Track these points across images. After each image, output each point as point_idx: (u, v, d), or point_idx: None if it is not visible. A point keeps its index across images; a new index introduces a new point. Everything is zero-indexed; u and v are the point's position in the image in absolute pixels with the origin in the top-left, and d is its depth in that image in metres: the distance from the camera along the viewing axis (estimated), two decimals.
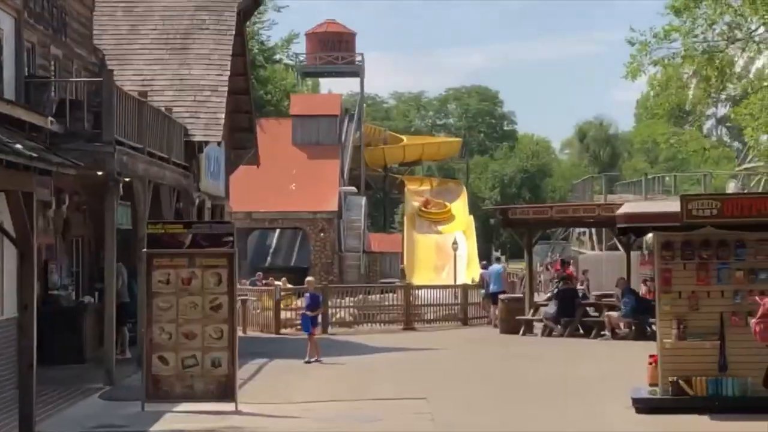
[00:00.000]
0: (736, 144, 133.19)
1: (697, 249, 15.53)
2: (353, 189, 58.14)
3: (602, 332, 29.69)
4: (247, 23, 66.20)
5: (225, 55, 27.63)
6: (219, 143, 27.07)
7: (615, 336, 29.30)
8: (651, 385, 16.35)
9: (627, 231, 15.83)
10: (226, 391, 16.46)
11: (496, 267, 36.14)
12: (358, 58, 78.66)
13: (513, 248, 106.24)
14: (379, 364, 23.30)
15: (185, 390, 16.45)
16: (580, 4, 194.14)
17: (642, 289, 32.91)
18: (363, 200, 59.43)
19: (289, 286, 49.26)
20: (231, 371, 16.48)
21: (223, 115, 26.67)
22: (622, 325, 29.68)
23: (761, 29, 19.89)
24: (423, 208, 65.55)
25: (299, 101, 59.84)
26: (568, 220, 32.80)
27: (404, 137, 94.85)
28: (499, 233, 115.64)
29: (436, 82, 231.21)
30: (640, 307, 29.01)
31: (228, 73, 27.33)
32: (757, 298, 13.25)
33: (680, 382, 15.46)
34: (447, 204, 62.27)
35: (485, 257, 63.86)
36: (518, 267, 67.27)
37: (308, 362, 23.45)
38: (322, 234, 52.31)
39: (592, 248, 58.62)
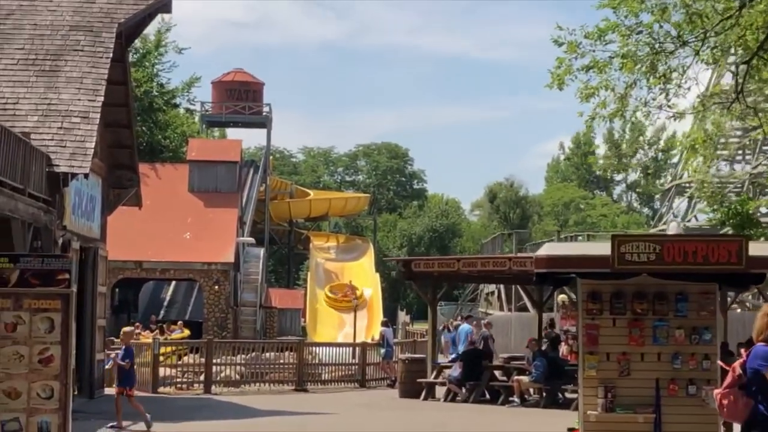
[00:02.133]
0: (645, 210, 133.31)
1: (630, 301, 12.89)
2: (251, 240, 55.11)
3: (510, 398, 27.10)
4: (145, 60, 63.92)
5: (100, 79, 24.74)
6: (87, 176, 24.03)
7: (524, 402, 26.73)
8: None
9: (546, 278, 13.04)
10: None
11: (465, 326, 33.56)
12: (266, 108, 76.54)
13: (420, 307, 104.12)
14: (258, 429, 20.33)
15: None
16: (496, 71, 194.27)
17: (562, 349, 30.39)
18: (261, 252, 56.46)
19: (176, 334, 46.30)
20: None
21: (92, 145, 23.71)
22: (532, 390, 27.13)
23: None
24: (330, 294, 62.29)
25: (197, 146, 56.86)
26: (477, 274, 30.22)
27: (311, 191, 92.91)
28: (406, 293, 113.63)
29: (346, 141, 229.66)
30: (552, 371, 26.50)
31: (101, 98, 24.42)
32: (720, 363, 10.56)
33: None
34: (357, 288, 58.52)
35: (391, 316, 61.41)
36: (424, 327, 64.92)
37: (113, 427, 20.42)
38: (216, 287, 49.23)
39: (501, 308, 56.21)
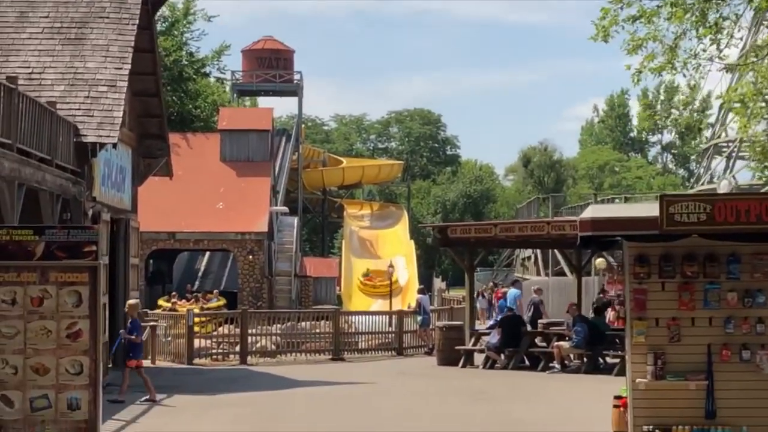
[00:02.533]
0: (681, 171, 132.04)
1: (680, 264, 12.29)
2: (285, 209, 54.72)
3: (551, 364, 26.58)
4: (174, 30, 63.37)
5: (126, 46, 24.28)
6: (115, 146, 23.59)
7: (565, 368, 26.21)
8: None
9: (590, 242, 12.46)
10: None
11: (513, 291, 33.06)
12: (297, 76, 75.98)
13: (456, 274, 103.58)
14: (294, 403, 19.88)
15: None
16: (527, 34, 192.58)
17: (609, 315, 29.80)
18: (295, 221, 56.00)
19: (213, 303, 46.05)
20: (92, 415, 13.04)
21: (120, 114, 23.29)
22: (572, 356, 26.60)
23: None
24: (364, 281, 61.59)
25: (228, 115, 56.38)
26: (514, 239, 29.62)
27: (344, 159, 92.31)
28: (441, 259, 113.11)
29: (378, 108, 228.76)
30: (593, 337, 25.96)
31: (128, 66, 23.98)
32: None
33: None
34: (393, 267, 57.77)
35: (427, 283, 60.98)
36: (460, 294, 64.46)
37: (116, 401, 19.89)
38: (250, 256, 48.84)
39: (538, 273, 55.60)
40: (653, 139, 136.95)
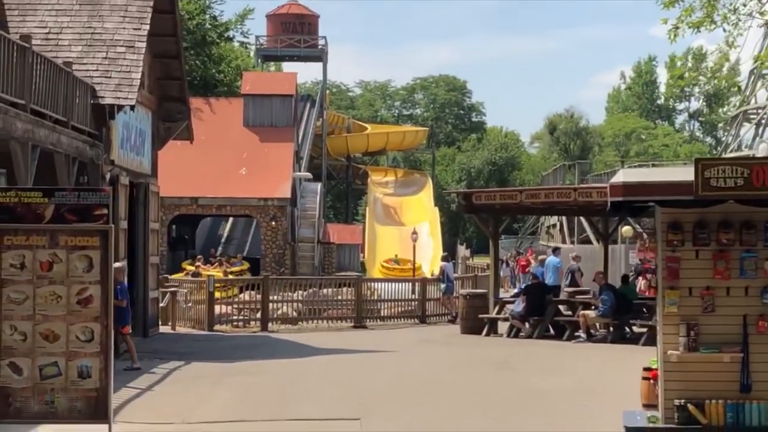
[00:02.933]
0: (708, 139, 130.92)
1: (715, 231, 11.73)
2: (308, 175, 54.19)
3: (576, 333, 26.09)
4: None
5: (145, 7, 23.79)
6: (133, 108, 23.09)
7: (590, 338, 25.71)
8: (646, 406, 12.61)
9: (621, 208, 11.88)
10: (97, 409, 12.62)
11: (553, 259, 32.53)
12: (322, 41, 75.47)
13: (480, 242, 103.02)
14: (315, 370, 19.44)
15: (44, 408, 12.57)
16: (554, 1, 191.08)
17: (640, 283, 29.25)
18: (318, 187, 55.55)
19: (236, 267, 45.73)
20: (104, 383, 12.64)
21: (139, 75, 22.83)
22: (598, 325, 26.09)
23: None
24: (385, 264, 60.83)
25: (251, 79, 55.81)
26: (540, 205, 29.06)
27: (368, 126, 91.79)
28: (466, 227, 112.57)
29: (403, 74, 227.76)
30: (620, 306, 25.44)
31: (147, 27, 23.49)
32: None
33: (689, 406, 11.72)
34: (417, 234, 56.85)
35: (451, 251, 60.46)
36: (484, 261, 63.96)
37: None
38: (273, 222, 48.40)
39: (563, 241, 55.01)
40: (680, 106, 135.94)
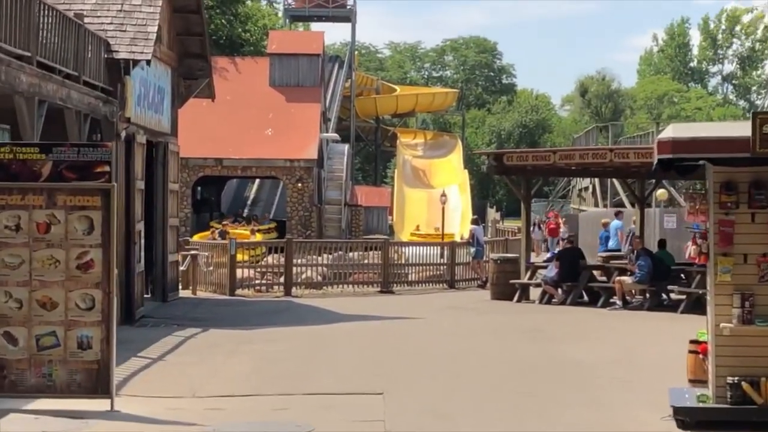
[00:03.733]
0: (741, 103, 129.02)
1: None
2: (335, 136, 53.17)
3: (611, 300, 25.04)
4: None
5: None
6: (149, 62, 22.04)
7: (626, 305, 24.63)
8: (693, 382, 11.62)
9: (669, 166, 10.77)
10: (98, 382, 11.70)
11: (616, 222, 31.42)
12: (350, 1, 74.16)
13: (510, 205, 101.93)
14: (337, 339, 18.47)
15: (41, 381, 11.68)
16: None
17: (689, 250, 28.03)
18: (346, 148, 54.47)
19: (265, 225, 44.78)
20: (105, 354, 11.71)
21: (155, 29, 21.81)
22: (634, 292, 25.00)
23: None
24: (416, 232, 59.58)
25: (278, 38, 54.75)
26: (574, 167, 27.91)
27: (397, 87, 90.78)
28: (495, 189, 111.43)
29: (433, 36, 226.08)
30: (657, 272, 24.35)
31: None
32: None
33: (743, 384, 10.69)
34: (446, 197, 55.59)
35: (481, 214, 59.40)
36: (514, 225, 62.91)
37: None
38: (299, 184, 47.46)
39: (595, 205, 53.83)
40: (713, 69, 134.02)
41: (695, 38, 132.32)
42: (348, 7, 73.85)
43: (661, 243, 26.26)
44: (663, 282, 24.62)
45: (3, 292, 11.59)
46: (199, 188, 54.82)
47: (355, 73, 74.09)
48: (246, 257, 31.51)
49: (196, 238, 43.73)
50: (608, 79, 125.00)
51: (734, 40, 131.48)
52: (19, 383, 11.63)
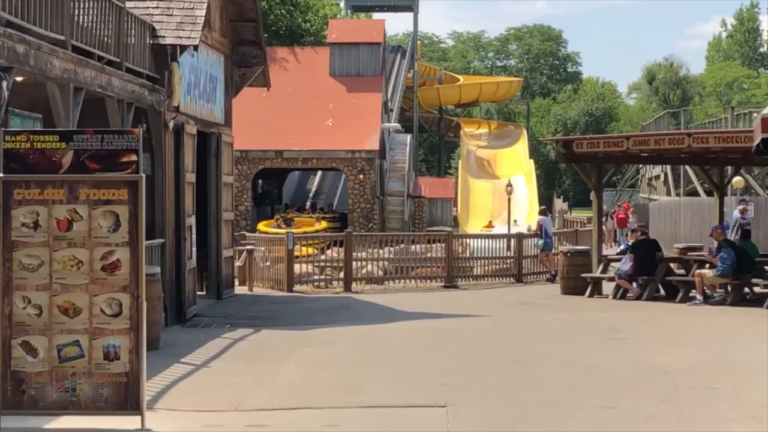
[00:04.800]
0: None
1: None
2: (397, 126, 51.80)
3: (691, 294, 23.49)
4: None
5: None
6: (196, 48, 20.79)
7: (707, 300, 23.06)
8: None
9: None
10: (127, 397, 10.46)
11: (736, 213, 29.92)
12: None
13: (577, 195, 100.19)
14: (397, 341, 17.10)
15: (63, 396, 10.46)
16: None
17: None
18: (408, 138, 53.07)
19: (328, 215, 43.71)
20: (135, 366, 10.47)
21: (203, 13, 20.59)
22: (717, 286, 23.41)
23: None
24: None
25: (338, 27, 53.48)
26: (648, 153, 26.32)
27: (460, 77, 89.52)
28: (562, 179, 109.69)
29: (497, 25, 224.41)
30: (740, 264, 22.76)
31: None
32: None
33: None
34: (512, 187, 53.88)
35: (547, 205, 57.88)
36: (583, 215, 61.34)
37: None
38: (361, 176, 46.16)
39: (668, 194, 52.05)
40: None
41: (765, 23, 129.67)
42: None
43: (745, 233, 24.67)
44: (747, 275, 23.04)
45: (21, 298, 10.39)
46: (259, 181, 53.83)
47: (417, 63, 72.91)
48: (309, 251, 30.38)
49: (260, 226, 42.96)
50: (676, 65, 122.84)
51: None
52: (39, 399, 10.43)
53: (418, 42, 79.88)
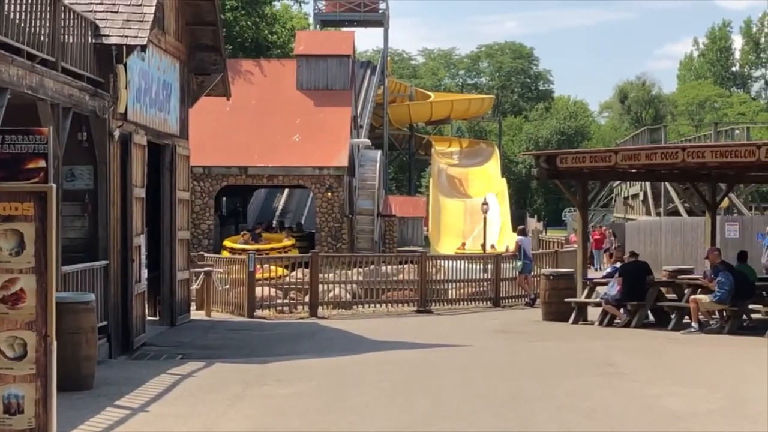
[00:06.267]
0: None
1: None
2: (367, 141, 49.92)
3: (684, 321, 21.67)
4: None
5: None
6: (144, 48, 18.73)
7: (702, 327, 21.24)
8: None
9: None
10: None
11: None
12: (383, 5, 71.79)
13: (549, 214, 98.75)
14: (366, 377, 15.07)
15: None
16: None
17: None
18: (378, 154, 51.14)
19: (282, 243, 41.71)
20: (42, 421, 8.46)
21: (152, 9, 18.61)
22: (713, 313, 21.59)
23: None
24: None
25: (305, 38, 51.60)
26: (639, 168, 24.52)
27: (431, 94, 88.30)
28: (533, 198, 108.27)
29: (467, 44, 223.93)
30: (739, 289, 20.96)
31: None
32: None
33: None
34: (488, 205, 52.07)
35: (519, 224, 56.12)
36: (558, 235, 59.61)
37: None
38: (329, 193, 44.16)
39: (647, 213, 50.31)
40: (756, 73, 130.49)
41: (737, 42, 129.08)
42: (380, 11, 71.64)
43: (742, 255, 22.85)
44: (746, 301, 21.24)
45: None
46: (223, 199, 51.83)
47: (387, 79, 71.42)
48: (281, 271, 28.43)
49: (227, 242, 40.99)
50: (648, 84, 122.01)
51: None
52: None
53: (389, 58, 78.39)
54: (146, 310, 21.22)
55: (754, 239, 34.45)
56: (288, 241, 42.15)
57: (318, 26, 71.17)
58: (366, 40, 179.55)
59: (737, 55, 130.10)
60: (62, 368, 12.09)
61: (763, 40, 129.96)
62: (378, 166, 49.02)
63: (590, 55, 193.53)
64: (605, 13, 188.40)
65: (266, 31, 59.43)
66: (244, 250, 34.33)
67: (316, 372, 15.53)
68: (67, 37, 16.51)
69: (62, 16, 16.20)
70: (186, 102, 24.29)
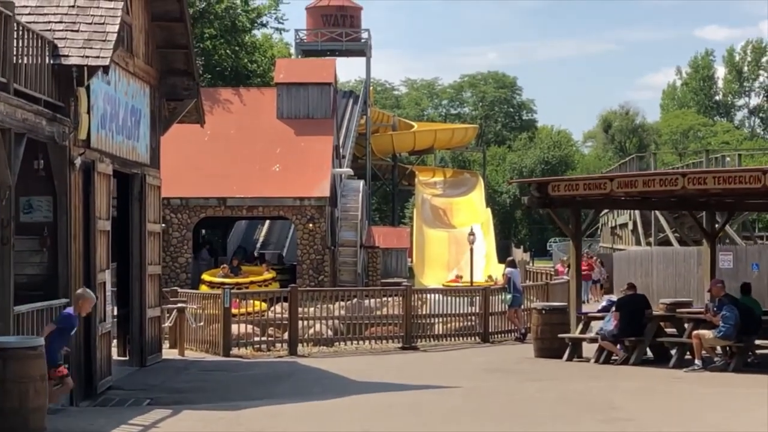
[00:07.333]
0: None
1: None
2: (349, 171, 48.66)
3: (687, 358, 20.39)
4: None
5: None
6: (106, 70, 17.41)
7: (707, 365, 19.95)
8: None
9: None
10: None
11: None
12: (365, 34, 70.95)
13: (534, 245, 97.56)
14: (347, 426, 13.72)
15: None
16: (592, 4, 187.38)
17: None
18: (361, 184, 49.80)
19: (262, 276, 40.37)
20: None
21: (116, 28, 17.30)
22: (719, 349, 20.30)
23: None
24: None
25: (285, 66, 50.28)
26: (636, 196, 23.30)
27: (415, 123, 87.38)
28: (518, 228, 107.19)
29: (450, 74, 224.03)
30: (745, 324, 19.70)
31: None
32: None
33: None
34: (474, 235, 50.85)
35: (504, 255, 54.87)
36: (545, 266, 58.40)
37: None
38: (310, 225, 42.72)
39: (637, 243, 49.07)
40: (740, 102, 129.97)
41: (720, 71, 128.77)
42: (362, 40, 70.69)
43: (745, 287, 21.57)
44: (752, 336, 19.98)
45: None
46: (202, 231, 50.41)
47: (370, 108, 70.39)
48: (263, 306, 27.07)
49: (205, 275, 39.66)
50: (632, 113, 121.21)
51: (761, 72, 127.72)
52: None
53: (371, 87, 77.38)
54: (114, 351, 19.90)
55: (749, 269, 33.23)
56: (268, 274, 40.79)
57: (300, 56, 70.15)
58: (348, 71, 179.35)
59: (720, 84, 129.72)
60: (5, 421, 10.77)
61: (746, 68, 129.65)
62: (361, 196, 47.72)
63: (572, 85, 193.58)
64: (585, 44, 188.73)
65: (246, 60, 58.27)
66: (222, 284, 32.96)
67: (292, 420, 14.16)
68: (21, 57, 15.20)
69: (15, 35, 14.89)
70: (157, 129, 22.97)
